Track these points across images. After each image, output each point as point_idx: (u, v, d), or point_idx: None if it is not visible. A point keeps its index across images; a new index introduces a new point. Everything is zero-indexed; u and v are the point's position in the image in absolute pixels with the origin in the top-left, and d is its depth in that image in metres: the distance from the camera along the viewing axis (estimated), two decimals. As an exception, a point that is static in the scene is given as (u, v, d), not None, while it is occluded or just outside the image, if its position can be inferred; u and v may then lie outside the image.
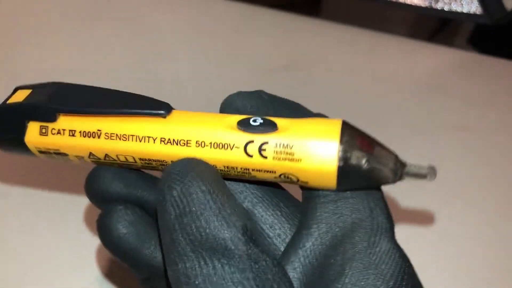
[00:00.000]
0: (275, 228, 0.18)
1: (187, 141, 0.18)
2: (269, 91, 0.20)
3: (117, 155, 0.19)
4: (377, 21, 0.48)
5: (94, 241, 0.29)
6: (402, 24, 0.50)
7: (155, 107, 0.19)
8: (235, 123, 0.18)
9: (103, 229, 0.20)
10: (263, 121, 0.18)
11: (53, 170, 0.33)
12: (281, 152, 0.17)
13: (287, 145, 0.17)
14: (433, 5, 0.39)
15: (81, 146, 0.19)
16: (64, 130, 0.19)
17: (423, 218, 0.31)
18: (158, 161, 0.19)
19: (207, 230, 0.15)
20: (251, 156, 0.17)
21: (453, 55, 0.44)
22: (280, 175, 0.17)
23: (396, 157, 0.17)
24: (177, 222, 0.15)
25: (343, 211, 0.17)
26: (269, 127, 0.18)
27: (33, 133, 0.19)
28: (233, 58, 0.42)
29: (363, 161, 0.17)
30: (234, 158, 0.18)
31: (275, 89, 0.21)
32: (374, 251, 0.15)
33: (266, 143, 0.18)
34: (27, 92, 0.20)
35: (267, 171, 0.17)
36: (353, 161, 0.16)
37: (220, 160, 0.18)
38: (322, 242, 0.16)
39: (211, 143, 0.18)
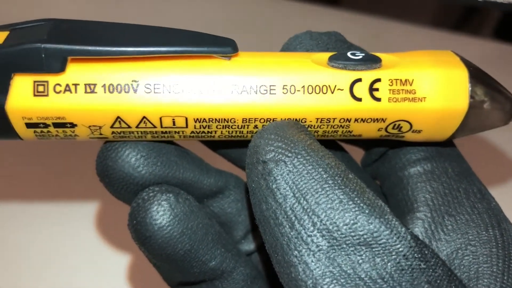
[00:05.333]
0: None
1: (270, 86, 0.13)
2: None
3: (161, 118, 0.13)
4: (399, 11, 0.46)
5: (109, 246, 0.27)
6: (425, 13, 0.48)
7: (218, 43, 0.13)
8: (325, 60, 0.13)
9: (140, 227, 0.14)
10: (365, 53, 0.13)
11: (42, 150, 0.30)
12: (399, 91, 0.13)
13: (406, 80, 0.13)
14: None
15: (105, 108, 0.13)
16: (76, 85, 0.12)
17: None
18: (225, 121, 0.13)
19: (349, 218, 0.11)
20: (359, 99, 0.13)
21: (481, 46, 0.42)
22: (388, 125, 0.14)
23: (511, 95, 0.14)
24: (301, 207, 0.11)
25: (446, 185, 0.14)
26: (374, 60, 0.13)
27: (21, 94, 0.12)
28: (251, 49, 0.41)
29: (487, 98, 0.14)
30: (336, 105, 0.13)
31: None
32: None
33: (378, 80, 0.13)
34: (2, 36, 0.13)
35: (376, 120, 0.13)
36: (479, 96, 0.13)
37: (317, 109, 0.13)
38: (434, 229, 0.14)
39: (303, 86, 0.13)
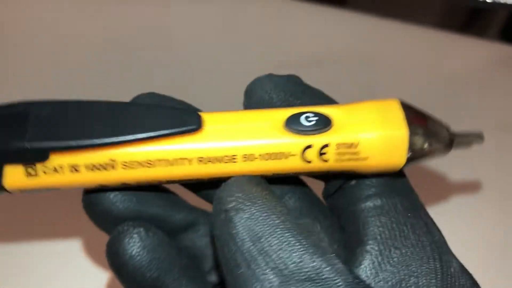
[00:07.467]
0: None
1: (232, 156, 0.15)
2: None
3: (138, 182, 0.15)
4: (405, 11, 0.46)
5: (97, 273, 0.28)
6: (431, 14, 0.48)
7: (183, 121, 0.15)
8: (282, 122, 0.15)
9: (115, 256, 0.16)
10: (318, 117, 0.15)
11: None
12: (344, 154, 0.15)
13: (351, 144, 0.15)
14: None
15: (88, 181, 0.15)
16: (62, 167, 0.15)
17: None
18: (194, 180, 0.16)
19: (296, 257, 0.13)
20: (309, 162, 0.15)
21: (487, 47, 0.42)
22: (334, 172, 0.16)
23: (448, 130, 0.16)
24: (256, 249, 0.13)
25: (394, 219, 0.16)
26: (325, 123, 0.15)
27: (15, 176, 0.15)
28: (258, 51, 0.41)
29: (426, 144, 0.15)
30: (289, 166, 0.15)
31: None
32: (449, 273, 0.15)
33: (326, 145, 0.15)
34: None
35: (323, 172, 0.15)
36: (418, 146, 0.15)
37: (272, 170, 0.15)
38: (380, 261, 0.15)
39: (261, 155, 0.15)
